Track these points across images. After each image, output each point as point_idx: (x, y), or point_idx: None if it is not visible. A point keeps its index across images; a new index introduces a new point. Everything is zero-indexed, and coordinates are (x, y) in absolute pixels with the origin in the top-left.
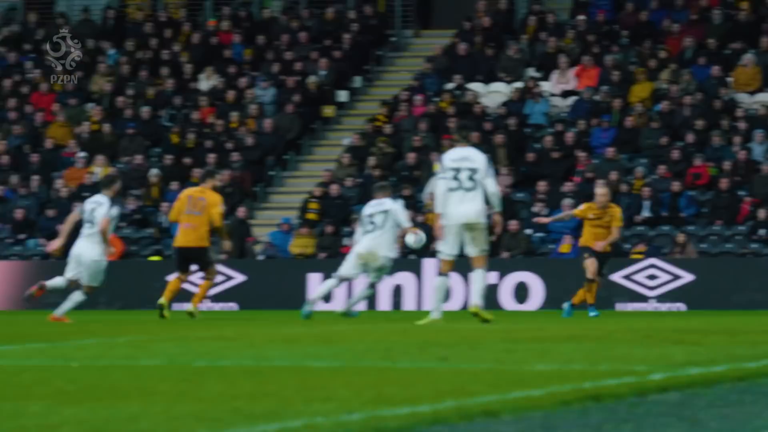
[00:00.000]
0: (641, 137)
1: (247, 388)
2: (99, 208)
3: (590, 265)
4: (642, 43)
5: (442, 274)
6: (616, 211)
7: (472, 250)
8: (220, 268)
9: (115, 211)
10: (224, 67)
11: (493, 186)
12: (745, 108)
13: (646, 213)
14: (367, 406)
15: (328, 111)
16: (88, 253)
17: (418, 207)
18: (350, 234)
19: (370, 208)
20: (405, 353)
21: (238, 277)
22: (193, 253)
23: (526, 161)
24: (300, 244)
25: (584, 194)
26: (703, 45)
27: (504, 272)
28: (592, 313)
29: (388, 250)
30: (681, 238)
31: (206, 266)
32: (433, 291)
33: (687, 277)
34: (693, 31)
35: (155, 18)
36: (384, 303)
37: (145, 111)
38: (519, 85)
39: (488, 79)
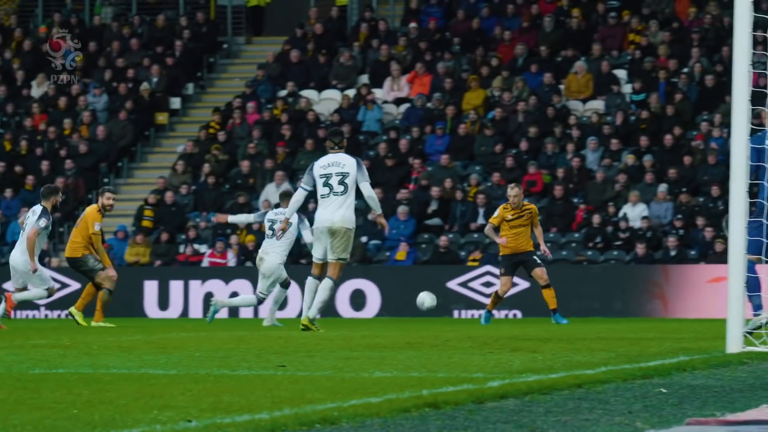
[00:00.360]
0: (475, 144)
1: (85, 395)
2: (31, 217)
3: (505, 284)
4: (474, 51)
5: (313, 276)
6: (534, 208)
7: (330, 255)
8: (55, 276)
9: (43, 222)
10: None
11: (368, 189)
12: (577, 115)
13: (481, 220)
14: (205, 413)
15: (161, 118)
16: (20, 261)
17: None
18: (185, 242)
19: (273, 215)
20: (243, 361)
21: (74, 285)
22: (71, 264)
23: None
24: (135, 252)
25: (419, 202)
26: (535, 52)
27: (340, 280)
28: (484, 321)
29: (279, 258)
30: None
31: (91, 275)
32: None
33: (523, 285)
34: (525, 39)
35: None
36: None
37: None
38: (352, 92)
39: (321, 87)
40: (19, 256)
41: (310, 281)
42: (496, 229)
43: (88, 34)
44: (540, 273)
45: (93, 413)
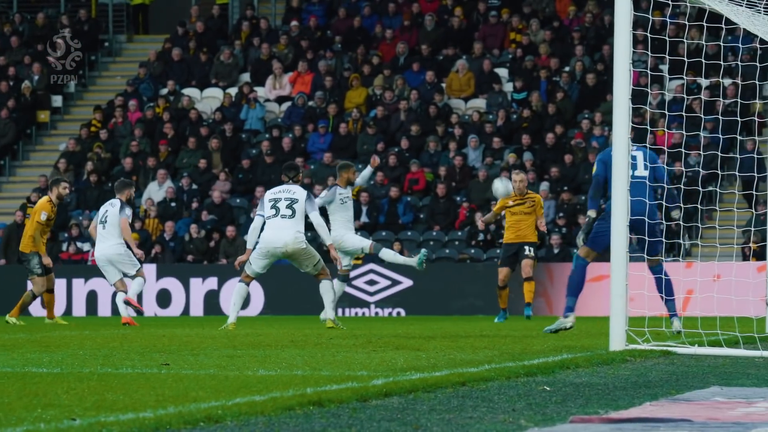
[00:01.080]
0: (357, 143)
1: None
2: (112, 209)
3: (502, 274)
4: (355, 49)
5: (242, 281)
6: (539, 198)
7: (308, 271)
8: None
9: (128, 211)
10: None
11: (317, 218)
12: (459, 114)
13: (364, 219)
14: (89, 412)
15: (43, 116)
16: (109, 251)
17: (136, 211)
18: (68, 240)
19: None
20: (126, 359)
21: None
22: (19, 256)
23: (242, 167)
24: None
25: None
26: (417, 51)
27: (223, 278)
28: (499, 319)
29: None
30: (396, 246)
31: (29, 274)
32: (233, 297)
33: (406, 283)
34: (406, 37)
35: None
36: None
37: None
38: (234, 90)
39: (203, 85)
40: (107, 249)
41: (240, 286)
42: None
43: None
44: (526, 264)
45: None
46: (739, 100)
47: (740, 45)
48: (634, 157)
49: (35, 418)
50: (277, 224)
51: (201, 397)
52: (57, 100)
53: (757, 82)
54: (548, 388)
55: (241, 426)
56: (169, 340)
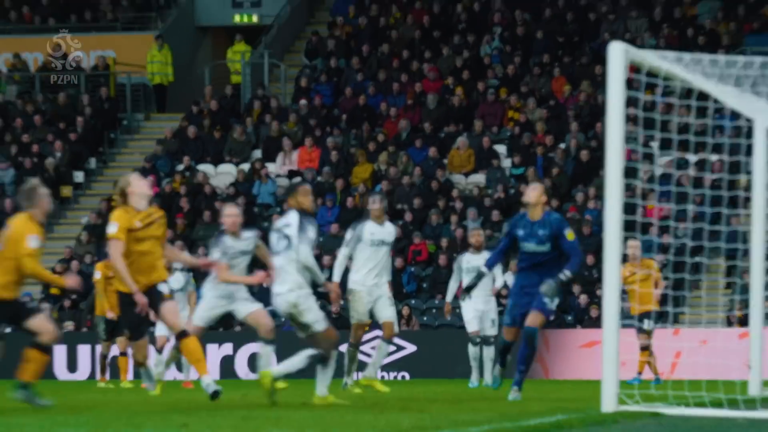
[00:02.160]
0: (363, 216)
1: None
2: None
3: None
4: (361, 126)
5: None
6: (651, 263)
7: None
8: None
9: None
10: None
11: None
12: (460, 188)
13: None
14: None
15: (66, 191)
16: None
17: None
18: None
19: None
20: (148, 420)
21: None
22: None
23: None
24: None
25: None
26: (419, 128)
27: (238, 344)
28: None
29: None
30: (405, 311)
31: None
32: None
33: (410, 348)
34: (409, 115)
35: None
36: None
37: None
38: (246, 166)
39: (216, 161)
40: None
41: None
42: None
43: None
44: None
45: None
46: (726, 174)
47: (727, 123)
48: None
49: None
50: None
51: None
52: (79, 176)
53: (742, 158)
54: None
55: None
56: (188, 402)
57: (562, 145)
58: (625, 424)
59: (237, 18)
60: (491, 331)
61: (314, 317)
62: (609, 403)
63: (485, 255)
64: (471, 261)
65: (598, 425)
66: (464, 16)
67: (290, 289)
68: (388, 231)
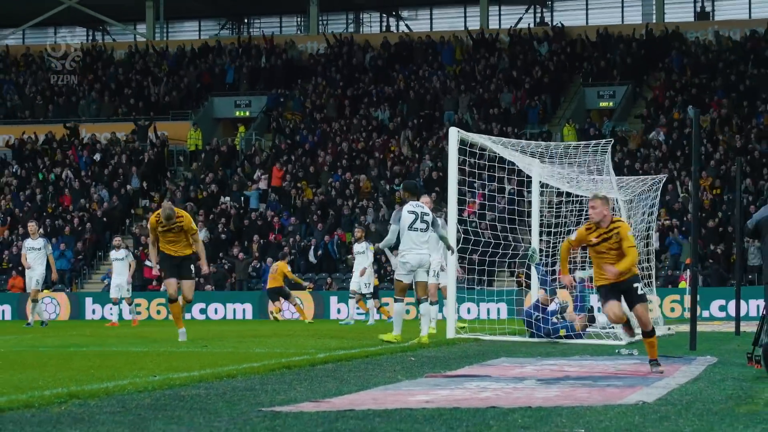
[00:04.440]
0: None
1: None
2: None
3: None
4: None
5: (398, 299)
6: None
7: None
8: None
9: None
10: None
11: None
12: None
13: None
14: (162, 372)
15: (139, 211)
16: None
17: None
18: None
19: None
20: (182, 344)
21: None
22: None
23: None
24: None
25: None
26: None
27: None
28: None
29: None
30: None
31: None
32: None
33: None
34: None
35: None
36: None
37: None
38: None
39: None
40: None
41: (399, 305)
42: None
43: None
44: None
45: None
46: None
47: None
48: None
49: (134, 375)
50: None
51: (223, 363)
52: (145, 202)
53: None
54: (413, 359)
55: (246, 380)
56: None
57: None
58: (459, 345)
59: (237, 113)
60: None
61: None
62: (451, 332)
63: None
64: None
65: (445, 345)
66: None
67: (428, 253)
68: None
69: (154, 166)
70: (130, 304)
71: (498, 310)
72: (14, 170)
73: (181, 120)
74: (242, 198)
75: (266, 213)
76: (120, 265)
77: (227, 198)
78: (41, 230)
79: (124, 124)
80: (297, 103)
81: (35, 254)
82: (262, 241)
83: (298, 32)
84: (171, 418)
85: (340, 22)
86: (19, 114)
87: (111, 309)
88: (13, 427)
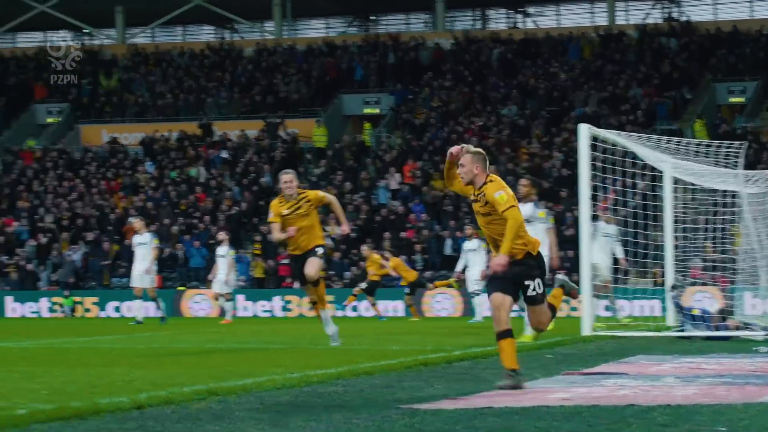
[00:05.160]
0: None
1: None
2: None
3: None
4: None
5: None
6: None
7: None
8: None
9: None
10: None
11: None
12: None
13: None
14: (300, 369)
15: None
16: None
17: None
18: None
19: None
20: (321, 340)
21: None
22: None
23: None
24: None
25: None
26: None
27: None
28: None
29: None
30: None
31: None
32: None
33: None
34: None
35: None
36: None
37: None
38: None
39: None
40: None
41: None
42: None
43: None
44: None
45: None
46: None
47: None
48: None
49: (272, 372)
50: None
51: (360, 360)
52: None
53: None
54: (550, 356)
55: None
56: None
57: None
58: (596, 342)
59: (366, 110)
60: None
61: None
62: (587, 329)
63: None
64: None
65: (581, 343)
66: None
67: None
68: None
69: (286, 163)
70: (228, 300)
71: (652, 307)
72: (148, 168)
73: (310, 117)
74: (372, 195)
75: (397, 208)
76: (142, 251)
77: (359, 194)
78: (151, 226)
79: (253, 121)
80: (425, 100)
81: (144, 249)
82: (391, 238)
83: (425, 29)
84: (309, 415)
85: (467, 19)
86: (149, 113)
87: (138, 306)
88: (153, 424)
